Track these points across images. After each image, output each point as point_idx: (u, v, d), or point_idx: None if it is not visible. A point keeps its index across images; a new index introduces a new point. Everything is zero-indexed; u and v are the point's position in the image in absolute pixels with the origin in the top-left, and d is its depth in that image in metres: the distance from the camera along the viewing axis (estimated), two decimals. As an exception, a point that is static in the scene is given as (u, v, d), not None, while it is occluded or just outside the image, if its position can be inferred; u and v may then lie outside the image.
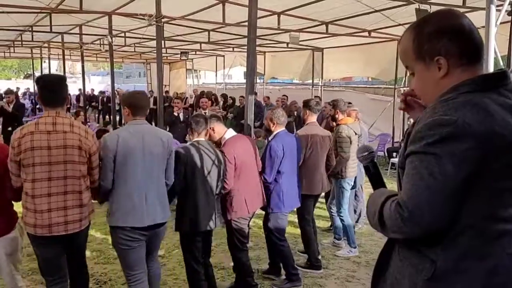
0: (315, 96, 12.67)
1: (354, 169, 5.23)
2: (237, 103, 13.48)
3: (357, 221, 6.22)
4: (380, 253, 1.60)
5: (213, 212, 3.78)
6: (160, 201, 3.32)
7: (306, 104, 4.85)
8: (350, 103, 7.10)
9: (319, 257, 4.93)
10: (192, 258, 3.80)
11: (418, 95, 1.54)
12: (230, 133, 4.06)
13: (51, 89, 3.04)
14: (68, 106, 20.10)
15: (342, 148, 5.03)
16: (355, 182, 5.51)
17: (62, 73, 19.05)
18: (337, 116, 5.24)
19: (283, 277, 4.47)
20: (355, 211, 6.17)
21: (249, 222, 4.19)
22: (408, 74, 1.60)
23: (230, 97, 12.80)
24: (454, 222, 1.31)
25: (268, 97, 13.89)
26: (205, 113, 8.84)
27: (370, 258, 5.26)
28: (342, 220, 5.31)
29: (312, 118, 4.81)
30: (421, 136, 1.32)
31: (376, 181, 1.69)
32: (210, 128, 3.94)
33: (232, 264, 4.83)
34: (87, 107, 20.48)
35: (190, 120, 3.87)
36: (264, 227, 4.42)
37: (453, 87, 1.39)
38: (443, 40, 1.39)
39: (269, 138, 4.42)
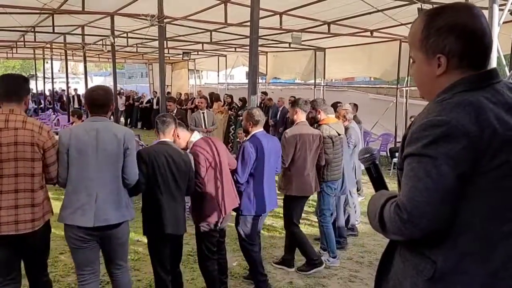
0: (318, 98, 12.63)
1: (337, 171, 4.98)
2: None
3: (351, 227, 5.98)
4: (382, 254, 1.60)
5: (180, 216, 3.60)
6: (115, 200, 3.14)
7: (295, 103, 4.75)
8: (339, 102, 6.92)
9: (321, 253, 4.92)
10: (158, 265, 3.63)
11: (415, 82, 1.55)
12: (196, 135, 3.92)
13: (6, 85, 3.03)
14: (77, 107, 20.17)
15: (325, 149, 4.82)
16: (342, 186, 5.25)
17: (64, 74, 19.10)
18: (319, 116, 5.00)
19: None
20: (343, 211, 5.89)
21: (220, 227, 3.97)
22: (409, 74, 1.60)
23: (240, 98, 12.83)
24: (453, 223, 1.31)
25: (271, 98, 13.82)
26: (202, 113, 8.84)
27: (373, 258, 5.25)
28: (321, 226, 5.01)
29: (302, 117, 4.68)
30: (416, 137, 1.33)
31: (378, 183, 1.69)
32: (175, 135, 3.79)
33: (234, 264, 4.84)
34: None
35: (156, 120, 3.71)
36: (236, 229, 4.28)
37: (449, 87, 1.39)
38: (449, 38, 1.37)
39: (246, 139, 4.26)
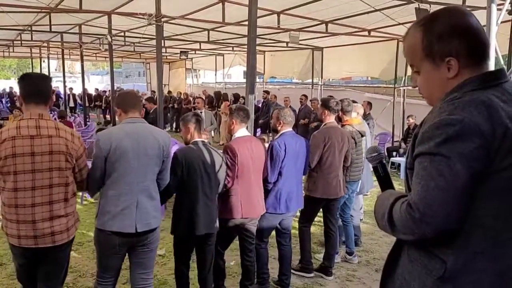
0: (329, 96, 12.67)
1: (357, 172, 5.01)
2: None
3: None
4: (388, 254, 1.59)
5: (213, 216, 3.64)
6: (154, 205, 3.13)
7: (325, 104, 4.66)
8: (355, 101, 7.06)
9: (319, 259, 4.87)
10: (182, 263, 3.67)
11: (423, 93, 1.53)
12: (241, 132, 3.93)
13: (35, 85, 2.81)
14: (72, 106, 20.09)
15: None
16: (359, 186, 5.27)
17: (61, 73, 19.06)
18: (344, 116, 5.00)
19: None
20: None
21: (239, 230, 3.96)
22: (410, 72, 1.60)
23: (242, 96, 12.83)
24: (465, 222, 1.31)
25: (273, 96, 13.75)
26: (200, 112, 8.85)
27: (370, 257, 5.26)
28: (343, 224, 5.10)
29: (331, 118, 4.62)
30: (429, 136, 1.32)
31: (385, 182, 1.68)
32: (232, 122, 3.88)
33: (232, 263, 4.83)
34: (91, 106, 20.57)
35: (186, 119, 3.68)
36: None
37: (458, 86, 1.39)
38: (454, 40, 1.39)
39: (275, 138, 4.30)
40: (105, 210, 3.02)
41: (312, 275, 4.67)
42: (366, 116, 7.67)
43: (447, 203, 1.27)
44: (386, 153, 10.88)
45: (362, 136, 5.00)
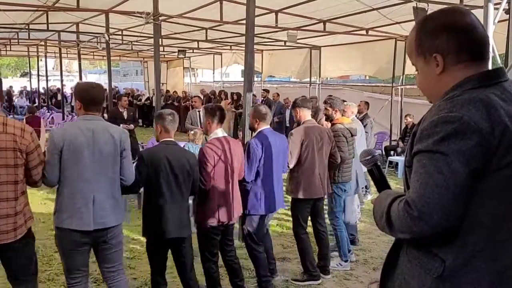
0: (329, 95, 12.66)
1: (348, 172, 4.87)
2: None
3: None
4: (387, 254, 1.59)
5: (183, 218, 3.51)
6: (111, 203, 3.07)
7: (294, 104, 4.60)
8: (344, 101, 7.07)
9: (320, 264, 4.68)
10: (154, 268, 3.56)
11: (422, 91, 1.55)
12: (218, 133, 3.83)
13: None
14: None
15: (341, 148, 4.70)
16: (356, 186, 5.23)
17: (58, 71, 18.99)
18: (334, 115, 4.86)
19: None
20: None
21: (217, 233, 3.86)
22: (409, 71, 1.61)
23: (235, 93, 12.84)
24: (463, 221, 1.31)
25: (275, 94, 13.75)
26: (198, 111, 8.81)
27: (368, 256, 5.26)
28: (335, 230, 4.88)
29: (306, 115, 4.48)
30: (428, 134, 1.32)
31: (381, 184, 1.69)
32: (208, 122, 3.77)
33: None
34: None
35: (159, 117, 3.57)
36: (242, 229, 4.20)
37: (457, 84, 1.39)
38: (441, 36, 1.40)
39: (252, 136, 4.16)
40: (62, 207, 3.00)
41: (319, 281, 4.49)
42: (363, 116, 7.66)
43: (445, 201, 1.27)
44: (384, 152, 10.91)
45: (353, 135, 4.89)
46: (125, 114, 8.78)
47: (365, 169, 6.07)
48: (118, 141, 3.07)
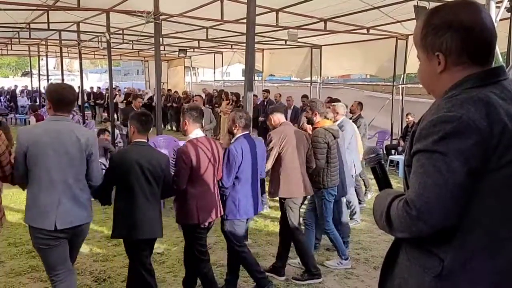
0: (328, 97, 12.62)
1: (336, 176, 4.78)
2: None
3: (351, 217, 6.08)
4: (387, 253, 1.58)
5: (155, 219, 3.50)
6: (78, 203, 3.09)
7: (267, 114, 4.64)
8: (337, 99, 7.02)
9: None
10: (141, 266, 3.53)
11: (420, 82, 1.55)
12: (195, 134, 3.80)
13: None
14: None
15: (317, 154, 4.56)
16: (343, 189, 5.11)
17: (59, 71, 18.99)
18: (314, 118, 4.73)
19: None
20: (348, 206, 5.94)
21: (200, 233, 3.86)
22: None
23: (233, 93, 12.82)
24: (463, 220, 1.30)
25: (278, 95, 13.70)
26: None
27: (368, 255, 5.26)
28: (327, 234, 4.85)
29: (280, 119, 4.55)
30: (426, 133, 1.31)
31: (383, 183, 1.68)
32: (185, 122, 3.78)
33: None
34: (91, 104, 20.57)
35: (132, 118, 3.55)
36: (222, 233, 4.17)
37: (457, 84, 1.38)
38: (445, 35, 1.38)
39: (231, 141, 4.13)
40: (30, 205, 3.05)
41: (320, 280, 4.48)
42: (357, 117, 7.64)
43: (444, 200, 1.26)
44: (385, 151, 10.91)
45: (335, 137, 4.76)
46: None
47: (357, 170, 6.11)
48: (85, 144, 3.08)
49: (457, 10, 1.39)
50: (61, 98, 3.07)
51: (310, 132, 4.80)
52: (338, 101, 6.80)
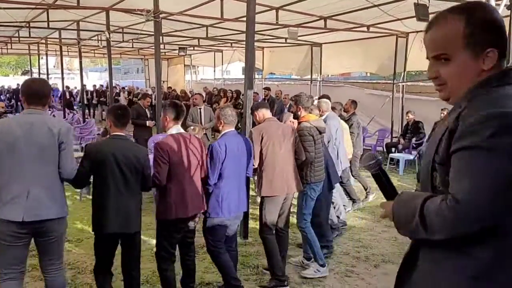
0: (299, 92, 12.61)
1: (320, 171, 4.66)
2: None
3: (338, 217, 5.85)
4: (405, 256, 1.55)
5: (130, 213, 3.44)
6: (49, 196, 3.08)
7: (252, 109, 4.60)
8: (326, 95, 6.99)
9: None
10: (98, 265, 3.53)
11: (450, 83, 1.47)
12: (173, 130, 3.81)
13: None
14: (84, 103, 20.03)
15: (306, 147, 4.48)
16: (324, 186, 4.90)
17: (59, 69, 18.99)
18: (299, 113, 4.69)
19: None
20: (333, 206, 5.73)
21: (187, 228, 3.87)
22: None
23: (233, 91, 12.82)
24: (505, 219, 1.28)
25: (279, 92, 13.69)
26: (199, 109, 8.82)
27: (369, 253, 5.26)
28: (303, 233, 4.63)
29: (265, 115, 4.47)
30: (472, 130, 1.29)
31: (387, 188, 1.65)
32: (165, 118, 3.79)
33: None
34: (93, 102, 20.55)
35: (109, 112, 3.57)
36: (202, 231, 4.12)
37: (485, 81, 1.39)
38: (494, 32, 1.41)
39: (217, 138, 4.10)
40: (0, 198, 3.04)
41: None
42: (350, 115, 7.62)
43: (493, 199, 1.24)
44: (385, 149, 10.89)
45: (321, 133, 4.70)
46: (147, 113, 9.13)
47: (344, 166, 6.03)
48: (57, 134, 3.09)
49: (490, 9, 1.44)
50: (32, 92, 3.13)
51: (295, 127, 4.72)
52: (326, 97, 6.72)
